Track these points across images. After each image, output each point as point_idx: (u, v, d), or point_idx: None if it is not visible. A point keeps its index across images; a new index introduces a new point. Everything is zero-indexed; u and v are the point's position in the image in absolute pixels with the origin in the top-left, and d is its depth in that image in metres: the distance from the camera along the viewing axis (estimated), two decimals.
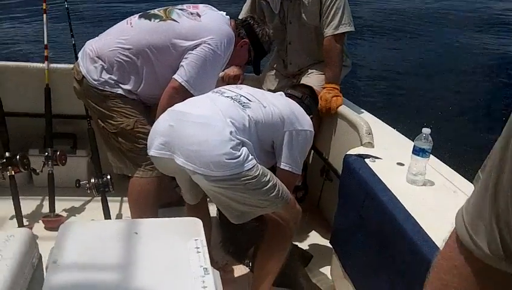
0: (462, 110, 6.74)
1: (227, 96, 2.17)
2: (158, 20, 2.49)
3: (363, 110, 2.95)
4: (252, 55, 2.66)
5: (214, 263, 2.61)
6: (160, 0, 8.06)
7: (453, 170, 2.15)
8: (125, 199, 3.05)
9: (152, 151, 2.09)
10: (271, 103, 2.20)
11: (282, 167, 2.20)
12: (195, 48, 2.42)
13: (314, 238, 2.97)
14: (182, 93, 2.38)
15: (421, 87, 7.50)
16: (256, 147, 2.10)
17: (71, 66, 3.01)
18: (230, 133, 1.95)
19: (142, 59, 2.45)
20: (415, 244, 1.56)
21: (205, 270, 1.57)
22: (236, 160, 1.91)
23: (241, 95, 2.19)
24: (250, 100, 2.17)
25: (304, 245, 2.88)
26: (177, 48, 2.44)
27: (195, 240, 1.72)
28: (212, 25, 2.51)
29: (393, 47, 9.52)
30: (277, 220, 2.16)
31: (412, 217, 1.68)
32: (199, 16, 2.53)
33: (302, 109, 2.31)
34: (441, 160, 2.22)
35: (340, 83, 3.04)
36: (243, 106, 2.12)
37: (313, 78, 3.09)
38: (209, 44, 2.43)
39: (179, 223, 1.86)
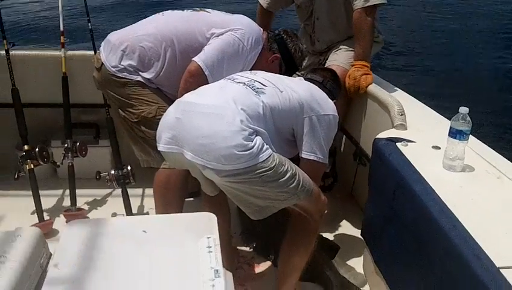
0: (505, 85, 6.32)
1: (240, 82, 2.01)
2: (191, 10, 2.50)
3: (395, 88, 2.74)
4: (283, 70, 2.51)
5: (238, 257, 2.50)
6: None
7: (496, 153, 1.94)
8: (148, 190, 2.98)
9: (160, 146, 1.95)
10: (288, 87, 2.02)
11: (305, 156, 2.02)
12: (221, 35, 2.35)
13: (346, 228, 2.80)
14: (198, 78, 2.25)
15: (459, 62, 7.13)
16: (275, 135, 1.93)
17: (89, 52, 2.95)
18: (241, 122, 1.78)
19: (166, 46, 2.36)
20: (451, 243, 1.36)
21: (216, 273, 1.43)
22: (249, 151, 1.74)
23: (255, 80, 2.02)
24: (265, 85, 1.99)
25: (334, 236, 2.72)
26: (204, 35, 2.36)
27: (208, 238, 1.59)
28: (245, 20, 2.47)
29: (430, 21, 9.11)
30: (300, 213, 2.00)
31: (449, 209, 1.49)
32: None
33: (323, 93, 2.13)
34: (482, 141, 2.01)
35: (371, 60, 2.83)
36: (256, 91, 1.94)
37: (341, 55, 2.90)
38: (235, 32, 2.35)
39: (191, 219, 1.73)
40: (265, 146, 1.79)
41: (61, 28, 3.02)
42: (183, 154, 1.84)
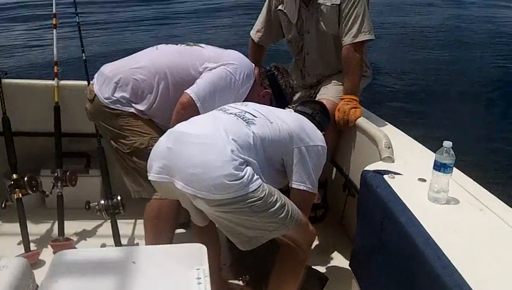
0: (489, 120, 6.46)
1: (231, 113, 2.04)
2: (185, 45, 2.55)
3: (383, 122, 2.78)
4: (274, 104, 2.55)
5: (228, 289, 2.49)
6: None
7: (479, 185, 1.97)
8: (138, 221, 2.98)
9: (151, 176, 1.96)
10: (278, 118, 2.06)
11: (295, 186, 2.04)
12: (214, 69, 2.40)
13: (335, 258, 2.81)
14: (189, 109, 2.29)
15: (445, 97, 7.28)
16: (265, 165, 1.96)
17: (82, 82, 2.98)
18: (232, 151, 1.80)
19: (159, 78, 2.40)
20: (435, 273, 1.38)
21: None
22: (239, 181, 1.76)
23: (246, 112, 2.05)
24: (255, 116, 2.03)
25: (323, 266, 2.71)
26: (197, 69, 2.41)
27: (197, 269, 1.60)
28: (237, 55, 2.53)
29: (417, 57, 9.32)
30: (289, 244, 2.01)
31: (433, 240, 1.51)
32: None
33: (312, 124, 2.17)
34: (466, 174, 2.04)
35: (360, 94, 2.88)
36: (247, 122, 1.98)
37: (331, 89, 2.95)
38: (228, 67, 2.41)
39: (181, 250, 1.75)
40: (256, 176, 1.81)
41: (55, 58, 3.05)
42: (174, 183, 1.85)
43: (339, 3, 2.78)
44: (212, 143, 1.85)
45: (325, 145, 2.12)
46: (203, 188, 1.77)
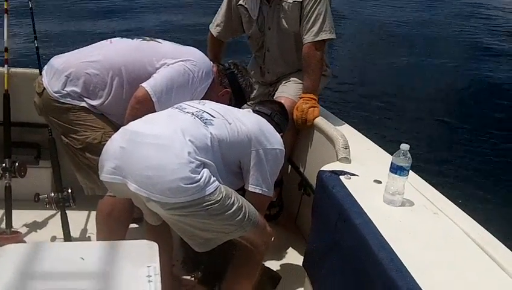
0: (447, 125, 6.63)
1: (188, 112, 1.99)
2: (141, 40, 2.45)
3: (341, 122, 2.80)
4: (233, 103, 2.51)
5: (180, 286, 2.45)
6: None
7: (434, 189, 2.01)
8: (90, 214, 2.90)
9: (103, 176, 1.88)
10: (237, 119, 2.03)
11: (251, 189, 2.03)
12: (172, 64, 2.33)
13: (289, 257, 2.80)
14: (145, 104, 2.23)
15: (404, 100, 7.42)
16: (222, 168, 1.93)
17: (34, 70, 2.86)
18: (189, 154, 1.76)
19: (113, 74, 2.32)
20: (388, 276, 1.39)
21: None
22: (196, 184, 1.72)
23: (204, 111, 2.01)
24: (213, 116, 1.99)
25: (276, 265, 2.71)
26: (154, 65, 2.33)
27: (148, 267, 1.56)
28: (196, 52, 2.46)
29: (377, 58, 9.46)
30: (245, 245, 1.99)
31: (387, 243, 1.53)
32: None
33: (271, 126, 2.15)
34: (422, 177, 2.08)
35: (319, 94, 2.89)
36: (204, 123, 1.93)
37: (290, 87, 2.95)
38: (186, 63, 2.34)
39: (131, 247, 1.70)
40: (212, 178, 1.78)
41: (5, 44, 2.92)
42: (127, 185, 1.79)
43: (301, 0, 2.78)
44: (168, 144, 1.80)
45: (283, 149, 2.11)
46: (158, 191, 1.72)
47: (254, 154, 2.00)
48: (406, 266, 1.41)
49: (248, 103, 2.70)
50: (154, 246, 1.67)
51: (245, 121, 2.04)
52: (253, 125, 2.05)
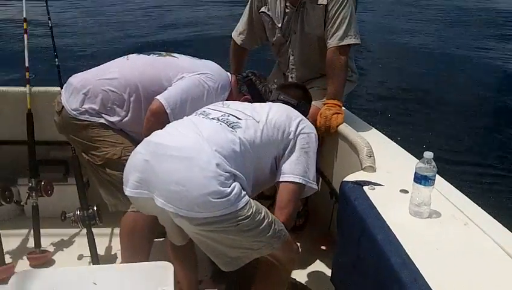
0: (478, 129, 6.38)
1: (213, 118, 1.91)
2: (157, 55, 2.44)
3: (368, 126, 2.70)
4: None
5: None
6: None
7: (464, 196, 1.88)
8: (116, 230, 2.88)
9: (128, 191, 1.80)
10: (265, 114, 1.97)
11: (292, 179, 1.94)
12: (188, 77, 2.31)
13: (317, 270, 2.72)
14: (159, 116, 2.20)
15: (433, 104, 7.23)
16: (255, 170, 1.87)
17: (55, 88, 2.88)
18: (217, 165, 1.66)
19: (130, 91, 2.31)
20: None
21: None
22: (226, 198, 1.63)
23: (229, 114, 1.93)
24: (239, 118, 1.91)
25: (306, 276, 2.62)
26: (170, 80, 2.31)
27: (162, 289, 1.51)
28: (213, 66, 2.46)
29: (405, 63, 9.29)
30: (272, 262, 1.90)
31: (411, 261, 1.42)
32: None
33: (298, 113, 2.11)
34: (450, 183, 1.96)
35: (345, 99, 2.79)
36: (232, 127, 1.85)
37: (313, 94, 2.85)
38: (202, 76, 2.32)
39: (145, 269, 1.67)
40: (243, 192, 1.70)
41: (27, 64, 2.96)
42: (154, 199, 1.72)
43: (325, 3, 2.70)
44: (194, 157, 1.70)
45: (316, 133, 2.08)
46: (186, 207, 1.64)
47: (291, 144, 1.96)
48: (432, 288, 1.30)
49: (269, 85, 2.63)
50: (168, 268, 1.63)
51: (271, 114, 1.99)
52: (281, 116, 2.00)
